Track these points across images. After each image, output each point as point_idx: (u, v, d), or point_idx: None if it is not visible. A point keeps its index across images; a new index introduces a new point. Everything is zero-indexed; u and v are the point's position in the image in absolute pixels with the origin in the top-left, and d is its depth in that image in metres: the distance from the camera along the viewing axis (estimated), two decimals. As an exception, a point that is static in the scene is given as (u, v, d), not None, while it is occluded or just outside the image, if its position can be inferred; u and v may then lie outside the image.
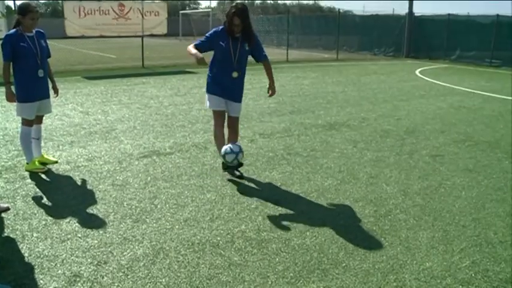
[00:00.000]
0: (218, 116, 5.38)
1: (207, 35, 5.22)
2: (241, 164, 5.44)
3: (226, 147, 5.11)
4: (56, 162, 5.92)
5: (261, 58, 5.39)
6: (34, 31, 5.40)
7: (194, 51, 4.95)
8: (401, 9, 27.81)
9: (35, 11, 5.28)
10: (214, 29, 5.25)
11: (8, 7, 17.46)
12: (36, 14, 5.30)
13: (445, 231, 4.16)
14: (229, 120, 5.51)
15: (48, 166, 5.74)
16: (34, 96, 5.45)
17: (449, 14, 24.86)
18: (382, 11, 31.13)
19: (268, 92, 5.52)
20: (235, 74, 5.21)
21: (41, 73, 5.43)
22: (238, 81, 5.32)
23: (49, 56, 5.65)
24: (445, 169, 5.94)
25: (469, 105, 10.64)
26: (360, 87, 13.61)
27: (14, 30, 5.30)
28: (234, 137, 5.55)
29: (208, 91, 5.35)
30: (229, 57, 5.11)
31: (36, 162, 5.67)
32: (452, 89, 13.66)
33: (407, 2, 27.15)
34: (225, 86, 5.24)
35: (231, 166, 5.32)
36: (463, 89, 13.62)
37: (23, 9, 5.27)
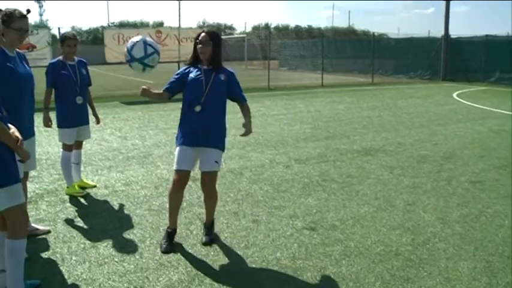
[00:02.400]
0: (177, 176, 4.24)
1: (177, 72, 4.51)
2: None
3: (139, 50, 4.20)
4: (95, 186, 6.05)
5: (238, 96, 4.42)
6: (76, 59, 5.60)
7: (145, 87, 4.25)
8: (437, 31, 27.48)
9: (71, 39, 5.50)
10: (179, 70, 4.47)
11: (53, 36, 18.13)
12: (73, 42, 5.52)
13: (487, 262, 4.03)
14: (202, 179, 4.37)
15: (87, 190, 5.87)
16: (73, 122, 5.63)
17: (487, 35, 24.47)
18: (417, 33, 30.84)
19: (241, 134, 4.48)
20: (197, 108, 4.17)
21: (79, 100, 5.61)
22: (208, 119, 4.22)
23: (89, 84, 5.83)
24: (485, 196, 5.79)
25: (509, 129, 10.37)
26: (396, 111, 13.47)
27: (57, 58, 5.54)
28: (209, 201, 4.48)
29: (177, 143, 4.34)
30: (200, 88, 4.19)
31: (76, 186, 5.81)
32: (492, 112, 13.37)
33: (443, 24, 26.94)
34: (191, 126, 4.24)
35: (168, 248, 4.23)
36: (503, 112, 13.31)
37: (61, 38, 5.60)
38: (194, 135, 4.21)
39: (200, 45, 4.19)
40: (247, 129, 4.39)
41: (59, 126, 5.59)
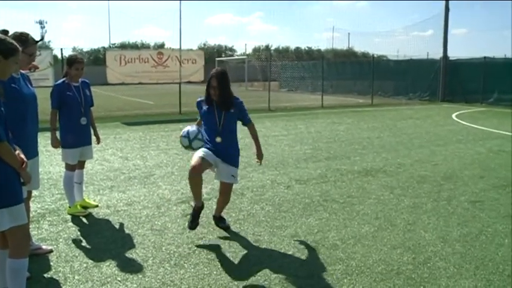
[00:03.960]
0: (198, 162, 4.76)
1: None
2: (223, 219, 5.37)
3: (184, 139, 4.88)
4: (97, 206, 6.09)
5: (245, 121, 5.19)
6: (80, 80, 5.69)
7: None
8: (436, 53, 27.71)
9: (79, 62, 5.59)
10: (197, 100, 5.23)
11: (55, 57, 18.33)
12: (81, 65, 5.63)
13: (488, 281, 4.05)
14: (221, 187, 5.23)
15: (89, 210, 5.90)
16: (77, 143, 5.69)
17: (485, 57, 24.71)
18: (416, 55, 31.06)
19: (257, 158, 5.27)
20: (218, 139, 4.95)
21: (83, 121, 5.69)
22: (226, 146, 5.00)
23: (92, 105, 5.91)
24: (485, 215, 5.82)
25: (509, 149, 10.43)
26: (396, 132, 13.55)
27: (62, 80, 5.61)
28: (224, 199, 5.27)
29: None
30: (213, 121, 4.97)
31: (78, 206, 5.84)
32: (491, 132, 13.45)
33: (441, 46, 27.21)
34: (212, 146, 4.97)
35: (193, 225, 4.99)
36: (503, 132, 13.39)
37: (70, 61, 5.65)
38: (217, 152, 4.95)
39: (212, 90, 4.91)
40: (260, 156, 5.24)
41: (64, 146, 5.65)
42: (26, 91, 3.91)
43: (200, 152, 4.83)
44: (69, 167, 5.75)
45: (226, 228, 5.30)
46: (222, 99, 4.93)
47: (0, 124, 3.00)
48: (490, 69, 23.97)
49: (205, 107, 5.05)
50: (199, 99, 5.18)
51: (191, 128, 4.93)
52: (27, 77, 4.11)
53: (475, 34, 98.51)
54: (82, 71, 5.65)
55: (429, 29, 46.15)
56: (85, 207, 5.93)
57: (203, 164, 4.76)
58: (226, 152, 4.98)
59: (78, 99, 5.60)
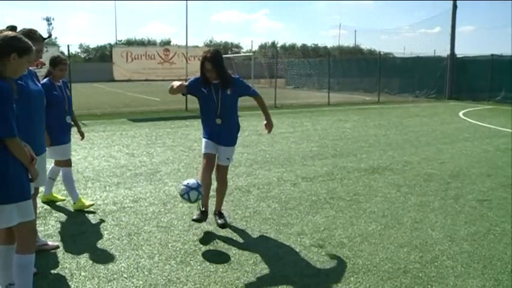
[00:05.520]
0: (206, 158, 5.05)
1: (189, 81, 5.15)
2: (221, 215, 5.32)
3: (182, 186, 4.76)
4: (64, 200, 6.19)
5: (250, 93, 5.17)
6: (61, 81, 5.69)
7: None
8: (443, 50, 27.56)
9: (64, 64, 5.60)
10: (194, 77, 5.17)
11: (61, 53, 18.35)
12: (65, 66, 5.65)
13: (496, 280, 4.02)
14: (217, 170, 5.23)
15: (95, 207, 5.90)
16: (67, 139, 5.74)
17: (492, 55, 24.56)
18: (423, 53, 30.94)
19: (265, 128, 5.31)
20: (218, 121, 4.99)
21: (68, 119, 5.73)
22: (225, 127, 5.05)
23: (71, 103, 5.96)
24: (493, 214, 5.78)
25: (516, 149, 10.36)
26: (402, 130, 13.50)
27: (47, 79, 5.57)
28: (221, 188, 5.33)
29: (203, 136, 5.17)
30: (212, 103, 4.96)
31: (83, 200, 5.87)
32: (499, 131, 13.37)
33: (448, 43, 27.07)
34: (212, 130, 5.05)
35: (200, 218, 5.00)
36: (510, 130, 13.30)
37: (54, 61, 5.59)
38: (217, 137, 5.04)
39: (208, 73, 4.87)
40: (270, 125, 5.30)
41: (56, 144, 5.58)
42: (33, 88, 3.90)
43: (205, 147, 5.04)
44: (64, 163, 5.82)
45: (223, 225, 5.16)
46: (222, 79, 4.92)
47: (12, 120, 3.02)
48: (498, 66, 23.83)
49: (204, 89, 4.98)
50: (192, 78, 5.17)
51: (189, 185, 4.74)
52: (35, 73, 4.11)
53: (483, 32, 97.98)
54: (66, 71, 5.68)
55: (436, 26, 46.01)
56: (53, 201, 6.10)
57: (212, 157, 5.05)
58: (226, 134, 5.06)
59: (63, 98, 5.62)
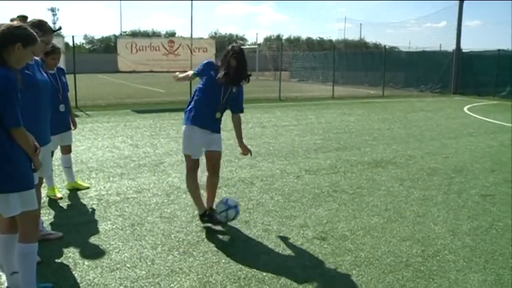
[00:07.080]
0: (192, 163, 4.92)
1: (201, 65, 4.98)
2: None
3: (221, 204, 4.93)
4: (88, 187, 6.35)
5: (237, 109, 4.97)
6: (55, 68, 5.68)
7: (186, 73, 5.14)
8: (449, 45, 27.41)
9: (57, 53, 5.58)
10: (209, 60, 5.04)
11: (66, 44, 18.38)
12: (58, 55, 5.63)
13: (498, 275, 4.03)
14: (210, 158, 5.01)
15: (99, 197, 5.94)
16: (56, 130, 5.62)
17: (499, 50, 24.41)
18: (428, 47, 30.80)
19: (242, 154, 5.13)
20: (218, 115, 4.86)
21: (62, 108, 5.74)
22: (220, 118, 4.93)
23: (68, 91, 5.97)
24: (496, 209, 5.78)
25: (521, 144, 10.33)
26: (406, 124, 13.47)
27: None
28: (215, 179, 5.07)
29: (191, 123, 4.86)
30: (218, 96, 4.79)
31: (56, 190, 6.01)
32: (503, 126, 13.32)
33: (454, 38, 26.91)
34: (207, 119, 4.83)
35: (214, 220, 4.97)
36: (515, 127, 13.26)
37: (47, 50, 5.57)
38: (211, 125, 4.86)
39: (231, 70, 4.70)
40: (244, 149, 5.06)
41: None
42: (40, 77, 3.90)
43: (188, 149, 4.88)
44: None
45: (218, 222, 4.97)
46: (238, 76, 4.75)
47: (18, 110, 3.04)
48: (504, 62, 23.64)
49: (213, 72, 4.80)
50: (210, 60, 5.03)
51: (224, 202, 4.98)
52: (41, 63, 4.12)
53: (490, 26, 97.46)
54: (58, 60, 5.68)
55: (442, 21, 45.84)
56: (77, 189, 6.21)
57: (194, 166, 4.94)
58: (218, 123, 4.92)
59: (55, 86, 5.59)
